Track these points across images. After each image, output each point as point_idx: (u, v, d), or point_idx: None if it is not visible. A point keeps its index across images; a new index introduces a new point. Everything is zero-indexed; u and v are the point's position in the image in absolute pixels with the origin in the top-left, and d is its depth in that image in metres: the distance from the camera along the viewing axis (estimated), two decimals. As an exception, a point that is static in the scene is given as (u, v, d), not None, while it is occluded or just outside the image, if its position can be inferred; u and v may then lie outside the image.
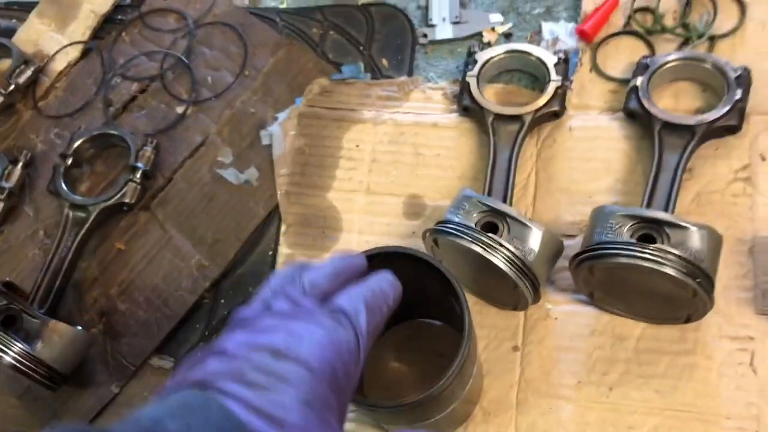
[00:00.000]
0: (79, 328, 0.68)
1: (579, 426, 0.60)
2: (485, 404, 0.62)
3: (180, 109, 0.81)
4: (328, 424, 0.34)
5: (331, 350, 0.36)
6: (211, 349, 0.36)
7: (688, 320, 0.60)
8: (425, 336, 0.65)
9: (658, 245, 0.55)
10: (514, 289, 0.60)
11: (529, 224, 0.60)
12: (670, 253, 0.54)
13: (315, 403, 0.34)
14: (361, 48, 0.81)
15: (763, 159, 0.65)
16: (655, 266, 0.54)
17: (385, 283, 0.43)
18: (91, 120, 0.83)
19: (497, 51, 0.74)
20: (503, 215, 0.61)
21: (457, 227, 0.60)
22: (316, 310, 0.38)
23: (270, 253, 0.73)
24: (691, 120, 0.64)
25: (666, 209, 0.61)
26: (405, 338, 0.65)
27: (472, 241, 0.59)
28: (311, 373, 0.34)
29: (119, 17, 0.89)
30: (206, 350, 0.36)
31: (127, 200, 0.75)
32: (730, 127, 0.64)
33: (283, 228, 0.73)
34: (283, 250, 0.72)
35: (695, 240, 0.55)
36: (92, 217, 0.74)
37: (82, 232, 0.73)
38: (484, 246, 0.59)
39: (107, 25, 0.89)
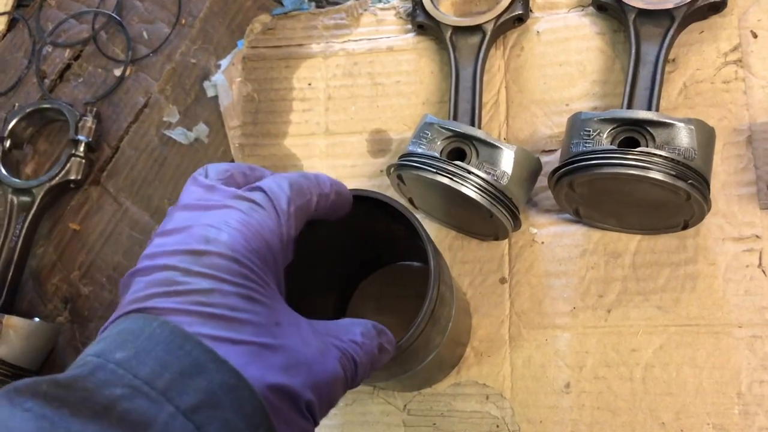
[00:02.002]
0: (37, 319, 0.64)
1: (578, 355, 0.55)
2: (476, 344, 0.58)
3: (118, 71, 0.75)
4: (274, 311, 0.32)
5: (252, 235, 0.33)
6: (135, 268, 0.33)
7: (686, 226, 0.54)
8: (404, 280, 0.60)
9: (641, 148, 0.49)
10: (491, 218, 0.54)
11: (498, 145, 0.54)
12: (655, 155, 0.48)
13: (256, 295, 0.32)
14: (303, -24, 0.74)
15: (755, 36, 0.58)
16: (641, 172, 0.48)
17: (323, 175, 0.41)
18: (26, 96, 0.77)
19: (448, -43, 0.66)
20: (469, 138, 0.55)
21: (420, 158, 0.54)
22: (228, 192, 0.35)
23: (232, 212, 0.68)
24: (669, 3, 0.57)
25: (649, 107, 0.54)
26: (383, 286, 0.61)
27: (436, 172, 0.53)
28: (240, 265, 0.32)
29: (41, -20, 0.82)
30: (131, 272, 0.33)
31: (73, 177, 0.70)
32: (714, 4, 0.57)
33: (241, 184, 0.68)
34: (245, 207, 0.67)
35: (683, 137, 0.49)
36: (38, 200, 0.68)
37: (30, 216, 0.68)
38: (450, 175, 0.53)
39: (30, -9, 0.82)
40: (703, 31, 0.59)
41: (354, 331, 0.37)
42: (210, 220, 0.33)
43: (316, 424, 0.32)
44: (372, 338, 0.38)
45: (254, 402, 0.29)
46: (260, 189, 0.36)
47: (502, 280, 0.59)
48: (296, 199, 0.36)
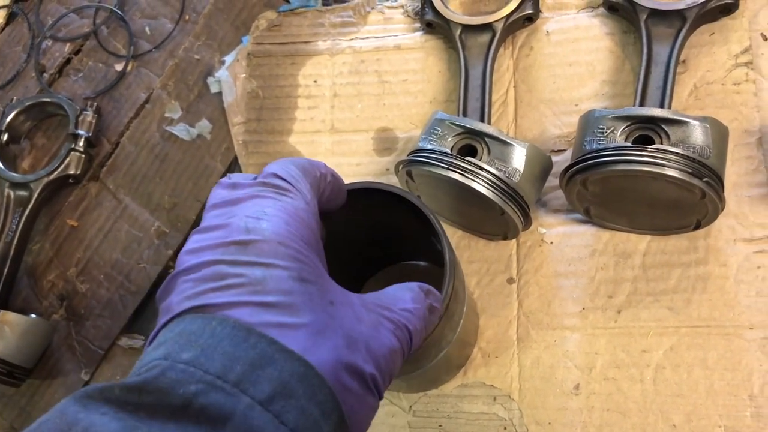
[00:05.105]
0: (33, 316, 0.62)
1: (588, 356, 0.55)
2: (483, 345, 0.57)
3: (119, 67, 0.74)
4: (326, 290, 0.32)
5: (290, 217, 0.33)
6: (179, 269, 0.31)
7: (697, 227, 0.54)
8: (409, 280, 0.59)
9: (656, 146, 0.48)
10: (501, 216, 0.54)
11: (511, 142, 0.53)
12: (671, 152, 0.48)
13: (307, 276, 0.31)
14: (309, -26, 0.73)
15: (765, 38, 0.58)
16: (656, 169, 0.47)
17: (312, 159, 0.39)
18: (25, 90, 0.75)
19: (457, -44, 0.66)
20: (481, 135, 0.54)
21: (431, 154, 0.54)
22: (251, 183, 0.35)
23: (234, 210, 0.67)
24: (681, 4, 0.56)
25: (661, 106, 0.54)
26: (387, 285, 0.60)
27: (448, 168, 0.52)
28: (286, 247, 0.31)
29: (42, -26, 0.81)
30: (174, 273, 0.31)
31: (72, 171, 0.68)
32: (725, 6, 0.57)
33: (245, 181, 0.67)
34: (248, 205, 0.66)
35: (698, 135, 0.48)
36: (35, 195, 0.67)
37: (27, 211, 0.67)
38: (462, 171, 0.52)
39: (30, -15, 0.81)
40: (713, 33, 0.59)
41: (404, 297, 0.36)
42: (245, 211, 0.32)
43: (380, 397, 0.32)
44: (422, 301, 0.37)
45: (325, 389, 0.28)
46: (276, 175, 0.35)
47: (510, 281, 0.58)
48: (308, 178, 0.36)
